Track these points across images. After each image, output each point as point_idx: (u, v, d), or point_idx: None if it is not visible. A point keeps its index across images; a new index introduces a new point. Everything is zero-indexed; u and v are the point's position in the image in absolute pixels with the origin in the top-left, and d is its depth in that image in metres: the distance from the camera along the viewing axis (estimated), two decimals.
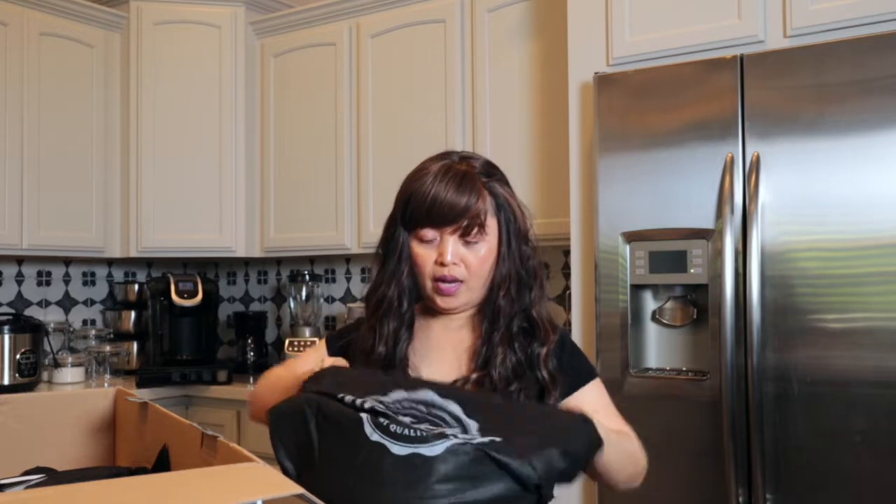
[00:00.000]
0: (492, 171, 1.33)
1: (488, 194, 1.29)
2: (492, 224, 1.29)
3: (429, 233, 1.28)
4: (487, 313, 1.32)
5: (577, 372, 1.34)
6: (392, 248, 1.32)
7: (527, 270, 1.32)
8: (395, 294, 1.31)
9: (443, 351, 1.34)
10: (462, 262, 1.28)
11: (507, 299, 1.30)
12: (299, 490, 0.74)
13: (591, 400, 1.31)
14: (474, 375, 1.27)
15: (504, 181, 1.33)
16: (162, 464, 1.21)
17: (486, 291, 1.32)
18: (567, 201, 2.43)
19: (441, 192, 1.26)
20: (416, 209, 1.28)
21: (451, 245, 1.27)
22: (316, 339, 3.36)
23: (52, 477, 1.26)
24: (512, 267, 1.31)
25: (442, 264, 1.27)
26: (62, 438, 1.47)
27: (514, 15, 2.88)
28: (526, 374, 1.27)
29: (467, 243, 1.28)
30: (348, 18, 3.28)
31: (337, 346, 1.40)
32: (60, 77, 3.26)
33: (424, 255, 1.29)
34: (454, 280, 1.28)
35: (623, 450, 1.24)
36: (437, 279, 1.29)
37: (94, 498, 0.76)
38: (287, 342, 3.39)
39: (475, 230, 1.27)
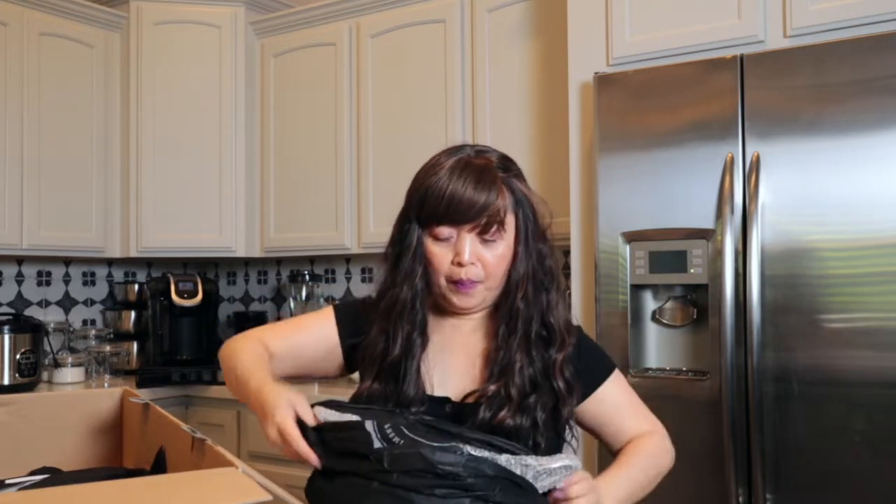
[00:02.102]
0: (508, 166, 1.28)
1: (507, 190, 1.24)
2: (510, 221, 1.24)
3: (445, 230, 1.22)
4: (504, 316, 1.26)
5: (593, 370, 1.31)
6: (406, 247, 1.25)
7: (543, 270, 1.27)
8: (408, 297, 1.24)
9: (455, 356, 1.29)
10: (479, 260, 1.22)
11: (525, 301, 1.25)
12: (268, 497, 0.76)
13: (613, 399, 1.32)
14: (492, 387, 1.21)
15: (521, 176, 1.29)
16: (159, 466, 1.20)
17: (502, 291, 1.27)
18: (567, 201, 2.43)
19: (459, 189, 1.20)
20: (432, 206, 1.22)
21: (469, 243, 1.22)
22: None
23: (56, 477, 1.26)
24: (529, 266, 1.26)
25: (459, 264, 1.22)
26: (69, 438, 1.47)
27: (514, 15, 2.88)
28: (542, 385, 1.22)
29: (484, 241, 1.22)
30: (348, 18, 3.28)
31: (348, 343, 1.32)
32: (60, 77, 3.25)
33: (440, 253, 1.23)
34: (471, 281, 1.23)
35: (645, 483, 1.28)
36: (454, 280, 1.23)
37: (63, 500, 0.79)
38: None
39: (494, 228, 1.21)
